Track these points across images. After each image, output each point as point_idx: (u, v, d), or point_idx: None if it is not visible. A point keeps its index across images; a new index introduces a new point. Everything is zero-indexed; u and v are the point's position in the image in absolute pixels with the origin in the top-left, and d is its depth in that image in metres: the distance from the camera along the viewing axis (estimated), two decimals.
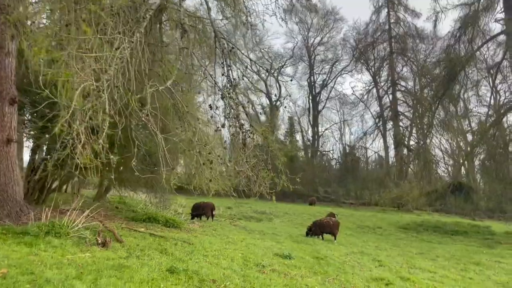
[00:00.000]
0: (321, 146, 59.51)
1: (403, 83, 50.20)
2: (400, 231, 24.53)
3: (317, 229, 15.54)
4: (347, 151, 58.96)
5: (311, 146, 58.52)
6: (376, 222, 27.83)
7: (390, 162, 51.26)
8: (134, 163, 7.11)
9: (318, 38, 58.85)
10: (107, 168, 11.81)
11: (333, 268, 8.86)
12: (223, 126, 8.59)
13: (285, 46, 61.84)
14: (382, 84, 52.24)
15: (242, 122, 8.71)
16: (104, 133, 6.07)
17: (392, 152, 50.99)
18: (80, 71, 5.93)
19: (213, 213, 17.02)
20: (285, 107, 61.37)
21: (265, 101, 60.44)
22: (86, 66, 6.14)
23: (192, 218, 16.96)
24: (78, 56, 6.16)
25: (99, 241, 7.25)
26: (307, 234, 15.84)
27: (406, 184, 37.11)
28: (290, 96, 61.75)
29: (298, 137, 60.94)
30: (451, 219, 34.12)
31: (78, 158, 5.97)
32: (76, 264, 5.86)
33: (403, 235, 22.57)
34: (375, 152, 56.29)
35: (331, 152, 59.31)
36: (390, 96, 49.91)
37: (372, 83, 53.02)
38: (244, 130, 8.44)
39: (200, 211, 16.86)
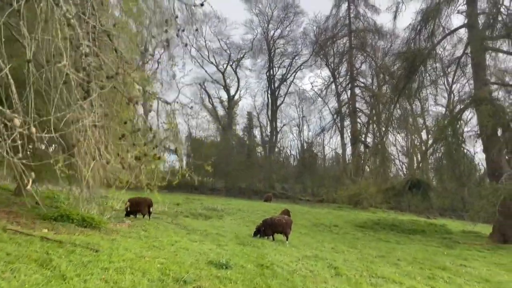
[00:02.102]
0: (279, 142, 58.21)
1: (362, 79, 49.71)
2: (357, 229, 23.31)
3: (268, 229, 13.75)
4: (305, 147, 58.05)
5: (269, 142, 57.02)
6: (332, 220, 26.57)
7: (348, 159, 50.65)
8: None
9: (278, 31, 57.51)
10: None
11: (279, 281, 7.05)
12: None
13: (244, 37, 59.96)
14: (341, 80, 51.52)
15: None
16: None
17: (349, 149, 50.43)
18: None
19: (151, 210, 14.84)
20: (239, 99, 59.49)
21: (223, 94, 58.42)
22: None
23: (127, 215, 14.77)
24: None
25: None
26: (255, 235, 14.04)
27: (363, 181, 36.29)
28: (247, 90, 60.26)
29: (257, 132, 59.41)
30: (407, 217, 33.65)
31: None
32: None
33: (360, 234, 21.32)
34: (333, 149, 55.72)
35: (289, 148, 58.17)
36: (349, 92, 49.16)
37: (331, 79, 52.20)
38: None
39: (134, 208, 14.66)
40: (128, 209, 14.69)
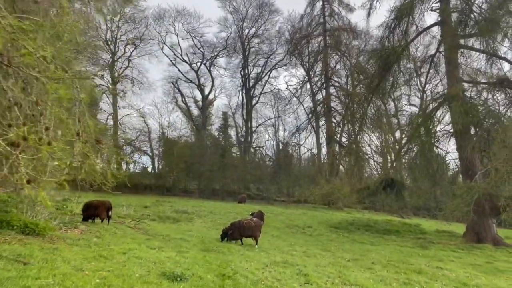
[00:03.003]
0: (254, 142, 57.39)
1: (337, 79, 49.42)
2: (331, 230, 22.77)
3: (236, 232, 12.89)
4: (280, 147, 57.46)
5: (244, 142, 56.15)
6: (306, 220, 25.96)
7: (323, 159, 50.30)
8: None
9: (253, 30, 56.71)
10: None
11: None
12: None
13: (218, 35, 58.86)
14: (316, 79, 51.11)
15: None
16: None
17: (324, 149, 50.11)
18: None
19: (109, 213, 13.71)
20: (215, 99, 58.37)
21: (198, 94, 57.16)
22: None
23: (85, 220, 13.60)
24: None
25: None
26: (222, 238, 13.18)
27: (337, 181, 35.90)
28: (222, 89, 59.30)
29: (233, 132, 58.41)
30: (381, 217, 33.48)
31: None
32: None
33: (334, 235, 20.77)
34: (309, 150, 55.30)
35: (264, 148, 57.41)
36: (324, 92, 48.81)
37: (306, 78, 51.74)
38: None
39: (92, 211, 13.52)
40: (84, 213, 13.54)
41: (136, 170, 49.50)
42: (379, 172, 42.69)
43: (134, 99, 73.80)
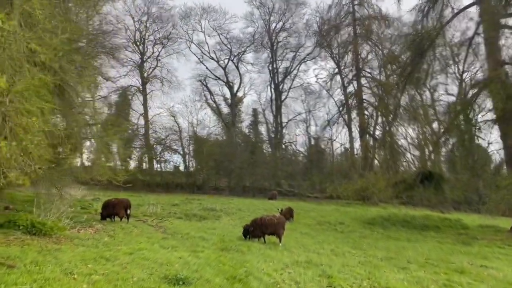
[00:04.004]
0: (284, 138, 56.34)
1: (368, 69, 47.59)
2: (365, 226, 21.58)
3: (257, 230, 12.11)
4: (312, 142, 56.17)
5: (274, 138, 55.25)
6: (338, 217, 24.86)
7: (356, 153, 48.70)
8: None
9: (280, 24, 55.59)
10: None
11: None
12: None
13: (244, 31, 58.13)
14: (346, 71, 49.53)
15: None
16: None
17: (357, 143, 48.48)
18: None
19: (128, 212, 13.27)
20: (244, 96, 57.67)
21: (227, 91, 56.73)
22: None
23: (103, 219, 13.26)
24: None
25: None
26: (245, 236, 12.44)
27: (371, 175, 34.40)
28: (252, 86, 58.65)
29: (263, 129, 57.63)
30: (419, 212, 31.72)
31: None
32: None
33: (367, 232, 19.59)
34: (342, 145, 53.63)
35: (294, 143, 56.24)
36: (355, 84, 47.21)
37: (336, 70, 50.22)
38: None
39: (110, 210, 13.13)
40: (103, 212, 13.19)
41: (167, 169, 49.68)
42: (417, 165, 40.75)
43: (164, 99, 74.23)
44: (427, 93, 40.26)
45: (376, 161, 44.32)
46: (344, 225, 21.64)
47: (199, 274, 6.74)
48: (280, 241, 12.05)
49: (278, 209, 22.15)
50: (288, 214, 21.46)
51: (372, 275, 8.40)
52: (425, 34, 23.30)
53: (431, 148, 36.68)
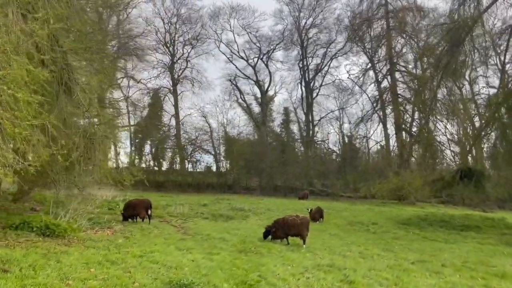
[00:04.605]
0: (316, 136, 55.25)
1: (403, 63, 45.78)
2: (399, 227, 20.49)
3: (280, 230, 11.55)
4: (346, 140, 54.78)
5: (306, 137, 54.33)
6: (372, 217, 23.85)
7: (392, 151, 47.03)
8: None
9: (310, 20, 54.50)
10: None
11: None
12: None
13: (274, 28, 57.47)
14: (379, 65, 47.92)
15: None
16: None
17: (393, 140, 46.79)
18: None
19: (149, 212, 13.02)
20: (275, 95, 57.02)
21: (257, 90, 56.32)
22: None
23: (125, 220, 13.10)
24: None
25: None
26: (265, 237, 11.91)
27: (407, 173, 32.92)
28: (283, 84, 57.89)
29: (295, 128, 56.83)
30: (459, 211, 30.06)
31: None
32: None
33: (402, 233, 18.54)
34: (377, 143, 51.91)
35: (327, 142, 55.04)
36: (389, 78, 45.55)
37: (369, 65, 48.71)
38: None
39: (130, 211, 12.95)
40: (124, 213, 13.04)
41: (199, 170, 49.90)
42: (457, 162, 38.83)
43: (194, 99, 74.86)
44: (467, 86, 38.36)
45: (413, 159, 42.64)
46: (377, 225, 20.66)
47: (207, 278, 6.29)
48: (304, 243, 11.43)
49: (307, 209, 21.48)
50: (318, 214, 20.74)
51: (400, 280, 7.68)
52: (462, 22, 21.87)
53: (472, 142, 34.80)
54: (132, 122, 49.92)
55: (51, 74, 6.91)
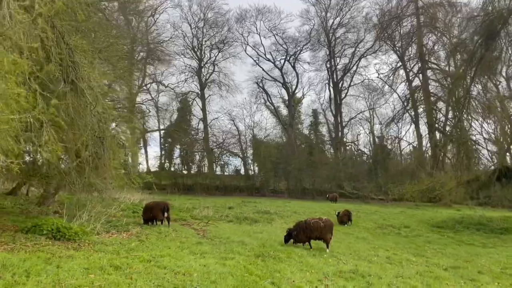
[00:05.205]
0: (346, 138, 54.11)
1: (434, 60, 44.13)
2: (433, 230, 19.51)
3: (301, 234, 11.02)
4: (376, 141, 53.35)
5: (335, 138, 53.30)
6: (403, 220, 22.88)
7: (424, 151, 45.34)
8: None
9: (338, 19, 53.63)
10: None
11: None
12: None
13: (300, 29, 56.93)
14: (410, 64, 46.45)
15: None
16: None
17: (426, 140, 45.13)
18: None
19: (166, 215, 12.75)
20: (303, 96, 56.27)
21: (285, 93, 55.79)
22: None
23: (145, 223, 12.93)
24: None
25: None
26: (286, 241, 11.41)
27: (441, 173, 31.49)
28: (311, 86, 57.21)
29: (324, 129, 55.97)
30: (498, 213, 28.44)
31: None
32: None
33: (436, 236, 17.59)
34: (409, 144, 50.19)
35: (356, 143, 53.78)
36: (420, 76, 44.02)
37: (399, 63, 47.25)
38: None
39: (148, 214, 12.76)
40: (143, 216, 12.88)
41: (227, 173, 49.86)
42: (494, 162, 36.93)
43: (222, 102, 75.21)
44: (504, 83, 36.43)
45: (447, 160, 40.88)
46: (409, 228, 19.75)
47: (215, 286, 5.90)
48: (327, 247, 10.87)
49: (335, 212, 20.83)
50: (346, 217, 20.07)
51: None
52: (496, 14, 20.67)
53: (510, 142, 32.95)
54: (161, 126, 50.66)
55: (57, 70, 6.76)
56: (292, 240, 11.42)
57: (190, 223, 15.31)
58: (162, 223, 12.88)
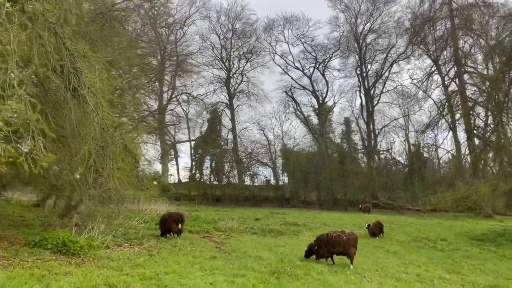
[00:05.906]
0: (378, 146, 52.38)
1: (471, 64, 42.05)
2: (472, 244, 18.14)
3: (323, 249, 10.28)
4: (412, 149, 51.31)
5: (368, 147, 51.77)
6: (440, 232, 21.53)
7: (463, 159, 43.14)
8: None
9: (368, 25, 52.42)
10: None
11: None
12: None
13: (329, 36, 55.95)
14: (445, 68, 44.51)
15: None
16: None
17: (464, 148, 42.95)
18: None
19: (180, 226, 12.31)
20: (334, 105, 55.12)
21: (314, 101, 54.85)
22: None
23: (162, 235, 12.58)
24: None
25: None
26: (306, 256, 10.72)
27: (481, 182, 29.65)
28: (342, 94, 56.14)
29: (357, 138, 54.59)
30: None
31: None
32: None
33: (475, 250, 16.29)
34: (448, 152, 47.90)
35: (391, 151, 51.92)
36: (457, 81, 42.06)
37: (433, 68, 45.42)
38: None
39: (163, 226, 12.42)
40: (160, 228, 12.57)
41: (257, 183, 49.38)
42: None
43: (251, 112, 74.98)
44: None
45: (488, 168, 38.67)
46: (446, 242, 18.48)
47: None
48: (351, 263, 10.08)
49: (366, 224, 19.85)
50: (377, 229, 19.04)
51: None
52: None
53: None
54: (192, 137, 51.04)
55: (58, 78, 6.55)
56: (314, 255, 10.75)
57: (212, 235, 14.89)
58: (178, 234, 12.47)
